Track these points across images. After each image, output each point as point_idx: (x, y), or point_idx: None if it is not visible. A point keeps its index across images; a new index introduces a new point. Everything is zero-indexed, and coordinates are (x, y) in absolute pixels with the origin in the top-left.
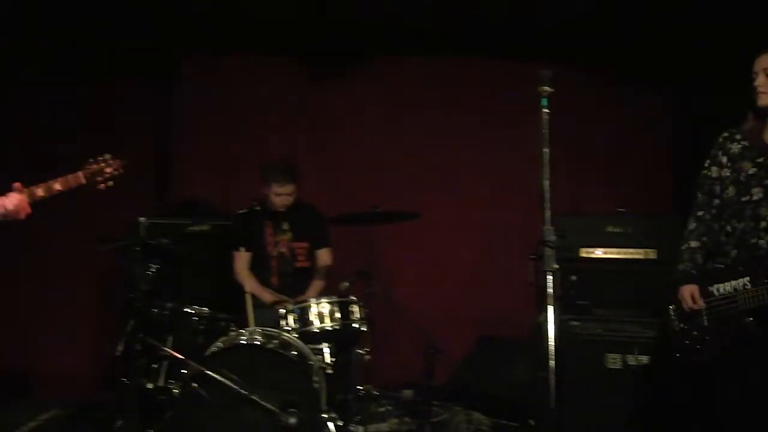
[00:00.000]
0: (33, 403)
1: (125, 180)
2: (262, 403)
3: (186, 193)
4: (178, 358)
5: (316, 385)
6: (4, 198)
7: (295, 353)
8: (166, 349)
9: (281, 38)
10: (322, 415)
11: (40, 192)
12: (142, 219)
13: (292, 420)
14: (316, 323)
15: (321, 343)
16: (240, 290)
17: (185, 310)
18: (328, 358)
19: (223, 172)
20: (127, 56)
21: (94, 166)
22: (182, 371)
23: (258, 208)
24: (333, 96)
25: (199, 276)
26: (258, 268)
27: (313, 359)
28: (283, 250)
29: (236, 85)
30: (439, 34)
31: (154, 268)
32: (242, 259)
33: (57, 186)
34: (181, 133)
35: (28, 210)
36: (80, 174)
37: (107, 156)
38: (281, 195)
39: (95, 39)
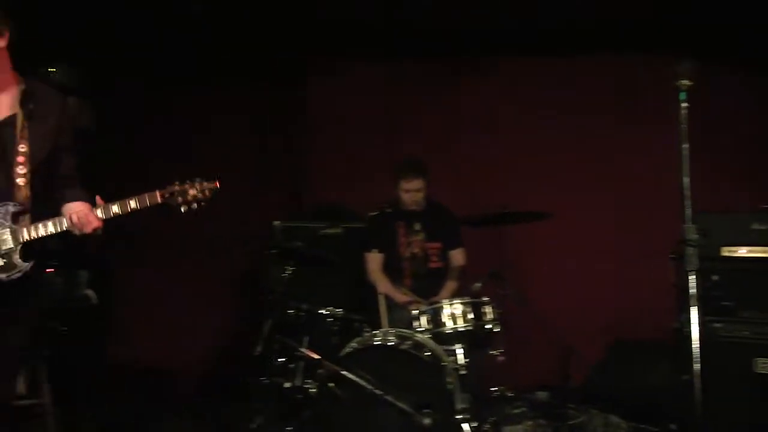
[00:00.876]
0: (173, 401)
1: (260, 184)
2: (397, 403)
3: (319, 196)
4: (314, 358)
5: (449, 386)
6: (73, 210)
7: (429, 354)
8: (303, 349)
9: (410, 41)
10: (457, 416)
11: (114, 209)
12: (276, 223)
13: (427, 421)
14: (449, 324)
15: (454, 344)
16: (373, 291)
17: (320, 311)
18: (461, 359)
19: (355, 175)
20: (263, 62)
21: (176, 188)
22: (318, 371)
23: (390, 210)
24: (463, 97)
25: (332, 278)
26: (391, 270)
27: (447, 360)
28: (416, 250)
29: (367, 89)
30: (567, 33)
31: (289, 270)
32: (375, 260)
33: (132, 203)
34: (313, 137)
35: (95, 224)
36: (157, 193)
37: (197, 179)
38: (410, 191)
39: (229, 44)
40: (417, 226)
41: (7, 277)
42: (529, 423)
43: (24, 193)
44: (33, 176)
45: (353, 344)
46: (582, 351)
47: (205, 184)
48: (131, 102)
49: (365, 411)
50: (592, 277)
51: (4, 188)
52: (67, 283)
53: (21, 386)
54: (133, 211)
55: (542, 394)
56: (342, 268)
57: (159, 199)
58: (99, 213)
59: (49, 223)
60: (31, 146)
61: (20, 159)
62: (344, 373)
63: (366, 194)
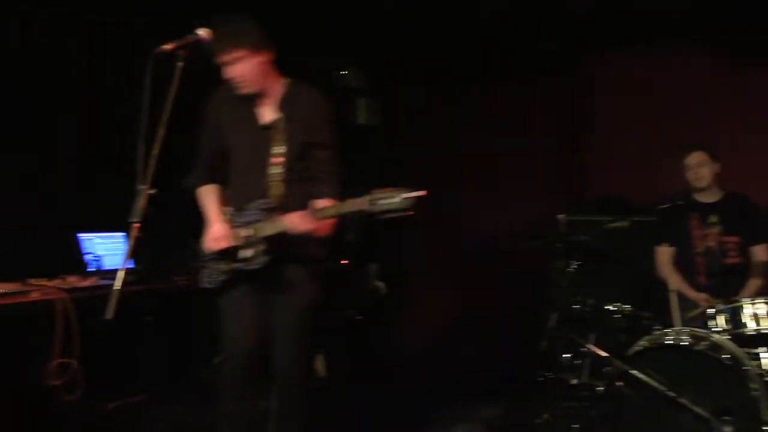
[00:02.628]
0: (460, 396)
1: (542, 178)
2: (692, 407)
3: (603, 189)
4: (601, 355)
5: (754, 393)
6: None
7: (728, 356)
8: (589, 345)
9: (688, 27)
10: (764, 427)
11: (330, 212)
12: (561, 216)
13: (728, 429)
14: (751, 325)
15: (757, 347)
16: (663, 287)
17: (606, 307)
18: (767, 364)
19: (639, 167)
20: (540, 55)
21: (382, 194)
22: (606, 369)
23: (681, 201)
24: (752, 79)
25: (620, 272)
26: (683, 265)
27: (749, 364)
28: (711, 244)
29: (647, 79)
30: None
31: (574, 264)
32: (666, 254)
33: (345, 207)
34: (594, 130)
35: (307, 226)
36: (366, 199)
37: (405, 188)
38: (692, 168)
39: (508, 41)
40: (712, 219)
41: (247, 266)
42: None
43: (276, 191)
44: (288, 174)
45: (643, 342)
46: None
47: (411, 193)
48: (415, 100)
49: (656, 413)
50: None
51: (262, 186)
52: (359, 275)
53: (320, 368)
54: (346, 214)
55: None
56: (629, 263)
57: (366, 205)
58: (314, 216)
59: (278, 223)
60: (287, 146)
61: (277, 160)
62: (634, 372)
63: (650, 186)
